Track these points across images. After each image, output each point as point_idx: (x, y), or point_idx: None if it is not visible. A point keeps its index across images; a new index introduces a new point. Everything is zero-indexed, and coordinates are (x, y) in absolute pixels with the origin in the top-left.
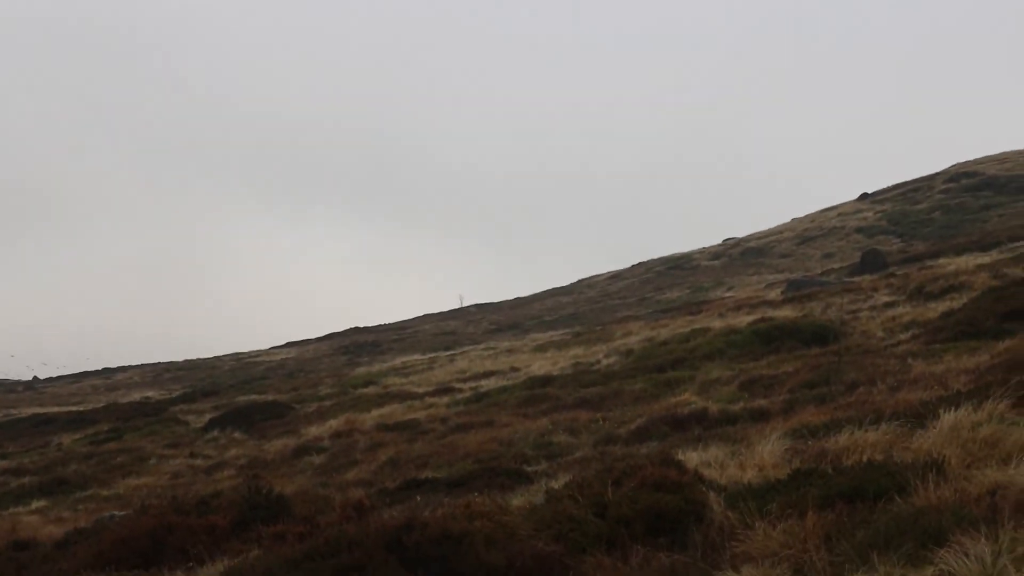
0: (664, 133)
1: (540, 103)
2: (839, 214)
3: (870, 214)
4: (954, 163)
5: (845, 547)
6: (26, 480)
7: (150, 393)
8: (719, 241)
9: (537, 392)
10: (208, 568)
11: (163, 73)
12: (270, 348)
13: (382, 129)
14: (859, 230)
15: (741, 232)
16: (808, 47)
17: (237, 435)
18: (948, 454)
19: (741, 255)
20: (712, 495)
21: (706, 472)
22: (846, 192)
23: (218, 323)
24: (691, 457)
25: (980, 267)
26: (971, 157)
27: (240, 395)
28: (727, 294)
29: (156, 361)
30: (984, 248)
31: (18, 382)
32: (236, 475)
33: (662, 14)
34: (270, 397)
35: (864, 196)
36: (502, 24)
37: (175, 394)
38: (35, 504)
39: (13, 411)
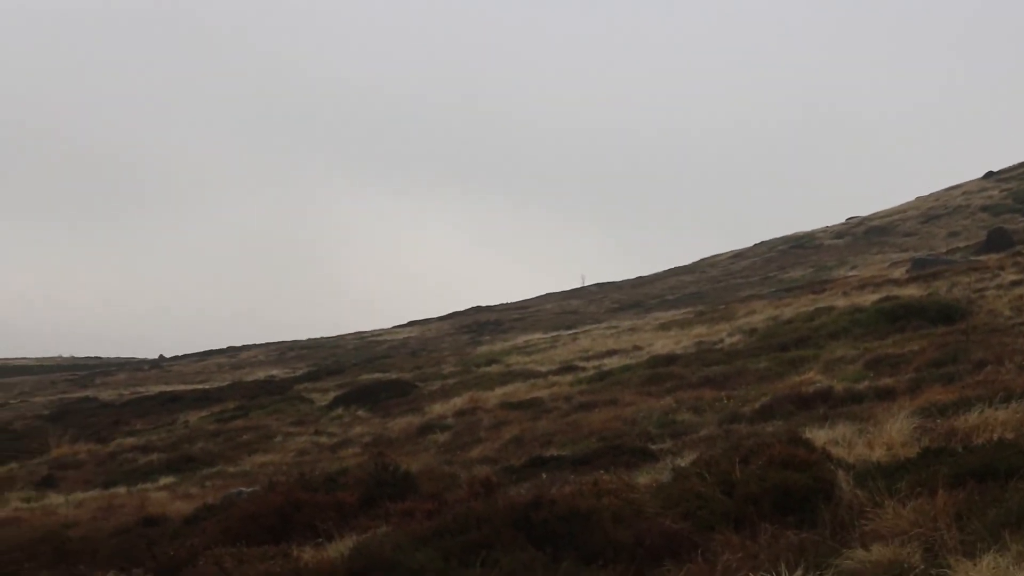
0: (782, 107)
1: (656, 69)
2: (964, 192)
3: (996, 192)
4: None
5: (976, 526)
6: (154, 457)
7: (274, 371)
8: (842, 220)
9: (660, 371)
10: (337, 544)
11: (272, 54)
12: (392, 327)
13: (500, 103)
14: (984, 208)
15: (864, 211)
16: (928, 17)
17: (361, 413)
18: None
19: (864, 234)
20: (840, 473)
21: (833, 451)
22: (971, 170)
23: (337, 302)
24: (818, 435)
25: None
26: None
27: (364, 373)
28: (851, 273)
29: (280, 340)
30: None
31: (144, 361)
32: (361, 453)
33: None
34: (393, 375)
35: (989, 174)
36: None
37: (299, 372)
38: (163, 481)
39: (140, 389)
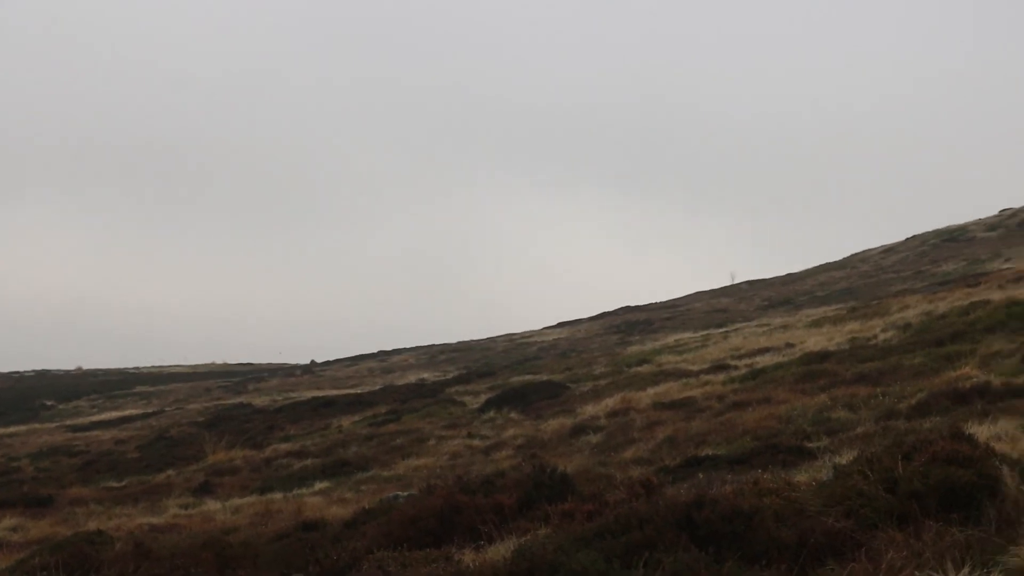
0: (927, 96)
1: (808, 54)
2: None
3: None
4: None
5: None
6: (308, 462)
7: (425, 375)
8: (995, 212)
9: (814, 368)
10: (498, 546)
11: (420, 59)
12: (542, 328)
13: (648, 101)
14: None
15: (1019, 202)
16: None
17: (513, 415)
18: None
19: (1019, 226)
20: (1005, 469)
21: (997, 446)
22: None
23: (488, 305)
24: (980, 431)
25: None
26: None
27: (514, 375)
28: (1005, 266)
29: (430, 343)
30: None
31: (296, 366)
32: (514, 455)
33: None
34: (544, 377)
35: None
36: None
37: (450, 375)
38: (318, 485)
39: (293, 394)
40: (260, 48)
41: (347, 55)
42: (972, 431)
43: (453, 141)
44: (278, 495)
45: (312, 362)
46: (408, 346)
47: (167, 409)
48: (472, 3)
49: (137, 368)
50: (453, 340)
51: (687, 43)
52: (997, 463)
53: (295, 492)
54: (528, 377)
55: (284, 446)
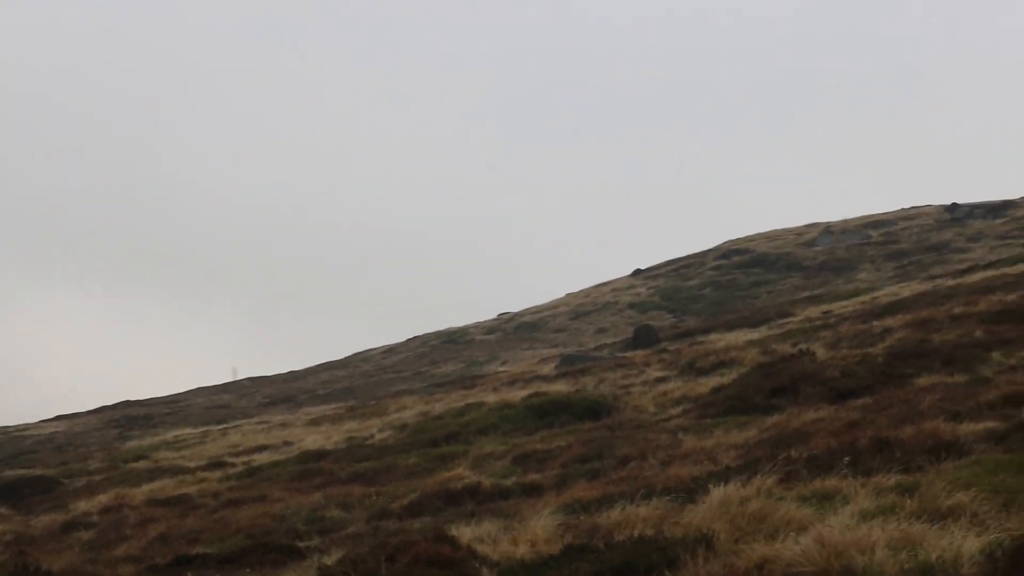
0: (435, 204)
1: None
2: (613, 290)
3: (643, 290)
4: (726, 240)
5: None
6: None
7: None
8: (494, 315)
9: (311, 466)
10: None
11: None
12: (39, 421)
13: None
14: (632, 306)
15: (517, 307)
16: (561, 123)
17: (3, 510)
18: (717, 529)
19: (516, 329)
20: (485, 571)
21: (479, 547)
22: (621, 268)
23: None
24: (464, 532)
25: (750, 343)
26: (742, 234)
27: (7, 469)
28: (501, 368)
29: None
30: (754, 324)
31: None
32: (2, 551)
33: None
34: (38, 471)
35: (638, 272)
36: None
37: None
38: None
39: None
40: None
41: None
42: (457, 533)
43: None
44: None
45: None
46: None
47: None
48: None
49: None
50: None
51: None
52: (478, 565)
53: None
54: (21, 471)
55: None
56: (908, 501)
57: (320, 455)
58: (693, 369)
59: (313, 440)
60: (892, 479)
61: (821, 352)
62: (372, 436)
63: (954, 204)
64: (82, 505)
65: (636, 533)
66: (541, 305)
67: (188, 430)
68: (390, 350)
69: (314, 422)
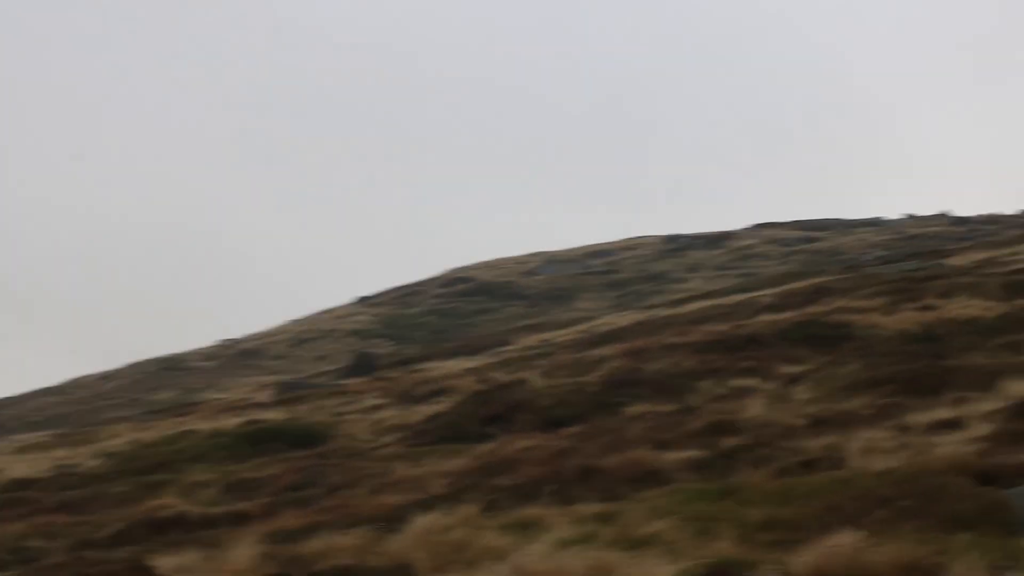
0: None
1: None
2: (335, 317)
3: (365, 317)
4: (451, 268)
5: None
6: None
7: None
8: (216, 342)
9: (16, 495)
10: None
11: None
12: None
13: None
14: (354, 333)
15: (241, 333)
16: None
17: None
18: (418, 558)
19: (236, 356)
20: None
21: None
22: (350, 294)
23: None
24: (166, 562)
25: (467, 371)
26: (468, 263)
27: None
28: (219, 396)
29: None
30: (472, 352)
31: None
32: None
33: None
34: None
35: (362, 299)
36: None
37: None
38: None
39: None
40: None
41: None
42: (159, 562)
43: None
44: None
45: None
46: None
47: None
48: None
49: None
50: None
51: None
52: None
53: None
54: None
55: None
56: (607, 529)
57: (26, 484)
58: (409, 397)
59: (20, 468)
60: (594, 508)
61: (537, 381)
62: (82, 464)
63: (674, 235)
64: None
65: (337, 563)
66: (263, 332)
67: None
68: (108, 376)
69: (22, 450)
